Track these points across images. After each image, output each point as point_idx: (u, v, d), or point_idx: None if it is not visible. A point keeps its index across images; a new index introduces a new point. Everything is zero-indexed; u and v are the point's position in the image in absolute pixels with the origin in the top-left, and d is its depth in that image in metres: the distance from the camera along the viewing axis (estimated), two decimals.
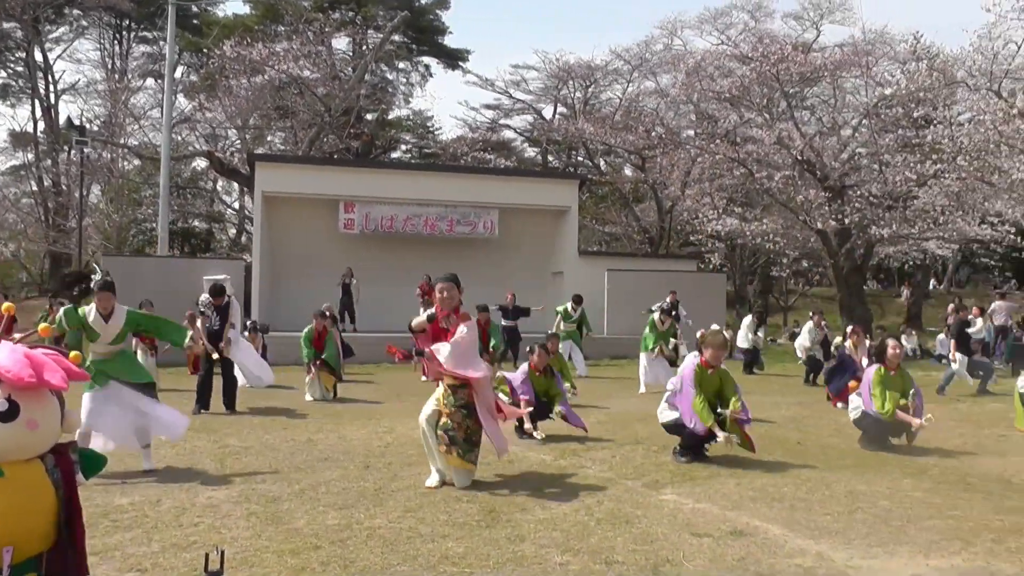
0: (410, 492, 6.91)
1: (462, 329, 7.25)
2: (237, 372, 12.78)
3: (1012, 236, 28.70)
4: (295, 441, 9.52)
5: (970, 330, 16.54)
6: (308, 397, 13.83)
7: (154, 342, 15.56)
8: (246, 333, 15.65)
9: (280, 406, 12.73)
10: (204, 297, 12.60)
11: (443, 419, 7.31)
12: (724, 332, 9.40)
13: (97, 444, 7.53)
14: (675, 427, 8.66)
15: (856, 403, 9.86)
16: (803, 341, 17.95)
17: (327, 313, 15.29)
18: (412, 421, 10.88)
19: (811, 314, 18.81)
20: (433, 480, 7.34)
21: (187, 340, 9.01)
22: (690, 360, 8.74)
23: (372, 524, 5.93)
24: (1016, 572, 5.18)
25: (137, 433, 7.78)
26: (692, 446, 8.58)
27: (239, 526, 5.87)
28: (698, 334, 9.29)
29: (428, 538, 5.61)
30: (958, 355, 16.10)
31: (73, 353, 3.32)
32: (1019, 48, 22.90)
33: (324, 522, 5.97)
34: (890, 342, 9.75)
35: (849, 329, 15.65)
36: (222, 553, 4.04)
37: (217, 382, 12.28)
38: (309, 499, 6.65)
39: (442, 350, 7.23)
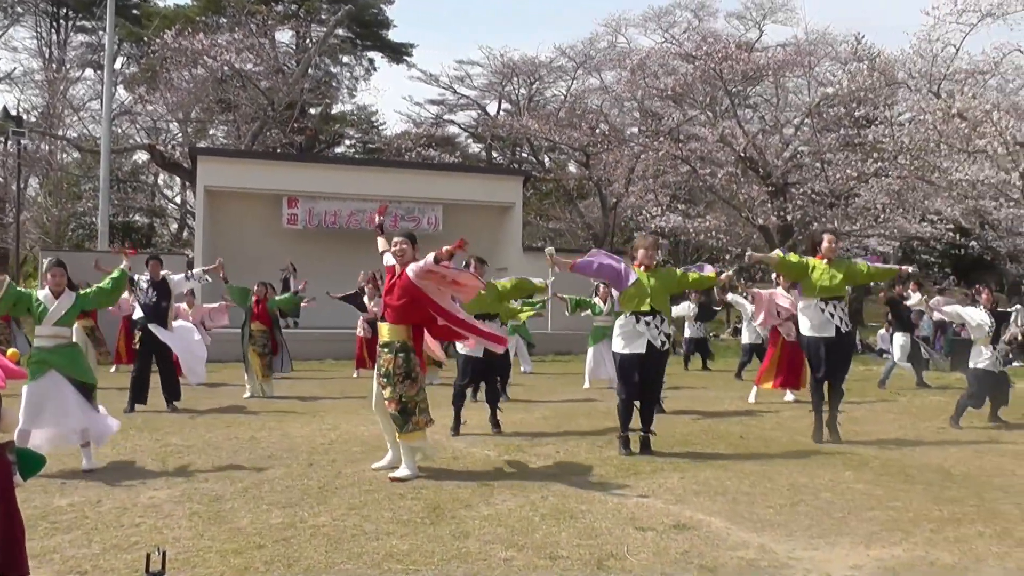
0: (354, 489, 6.87)
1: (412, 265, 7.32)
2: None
3: (951, 233, 29.39)
4: (238, 439, 9.42)
5: (908, 303, 16.76)
6: (247, 394, 13.68)
7: (95, 325, 15.34)
8: (183, 304, 15.35)
9: (223, 404, 12.58)
10: (139, 276, 12.22)
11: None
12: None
13: (35, 443, 7.38)
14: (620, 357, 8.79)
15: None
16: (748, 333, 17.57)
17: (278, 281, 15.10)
18: (356, 418, 10.90)
19: (744, 293, 18.70)
20: (381, 462, 7.71)
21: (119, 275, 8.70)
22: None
23: (316, 522, 5.89)
24: (954, 561, 5.27)
25: (75, 434, 7.65)
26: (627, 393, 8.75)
27: (181, 526, 5.79)
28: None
29: (372, 536, 5.58)
30: (897, 335, 16.28)
31: (11, 351, 3.26)
32: (957, 51, 23.43)
33: (268, 521, 5.92)
34: (827, 236, 9.81)
35: (774, 276, 15.53)
36: (163, 554, 3.99)
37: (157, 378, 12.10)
38: (252, 498, 6.58)
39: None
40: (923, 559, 5.29)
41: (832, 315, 9.49)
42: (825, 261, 9.66)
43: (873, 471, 7.93)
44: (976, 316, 11.22)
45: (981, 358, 11.19)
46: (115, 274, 8.44)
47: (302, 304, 16.84)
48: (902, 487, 7.24)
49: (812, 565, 5.12)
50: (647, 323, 8.58)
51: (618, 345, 8.80)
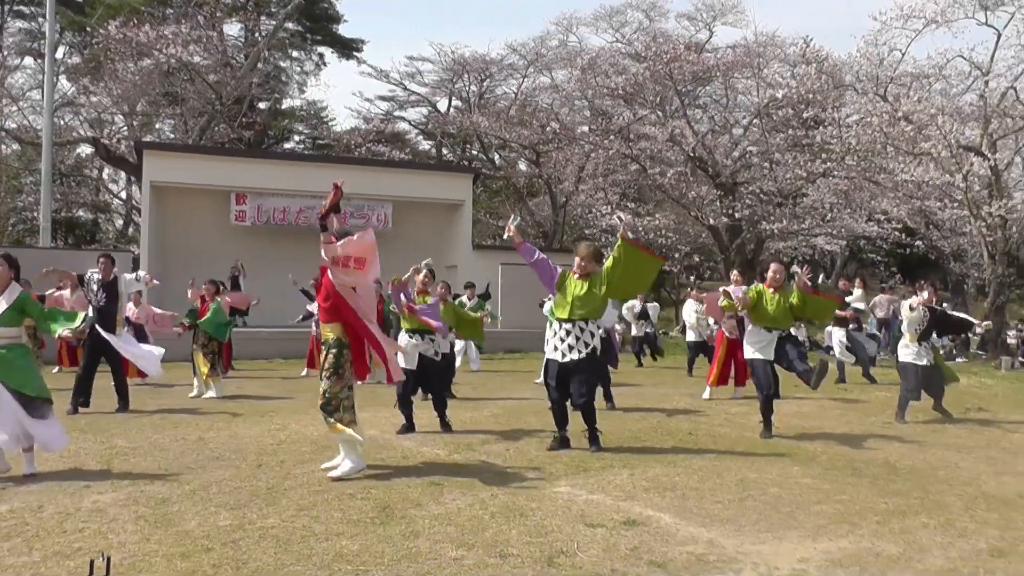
0: (303, 490, 6.81)
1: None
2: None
3: (897, 233, 29.92)
4: (185, 440, 9.30)
5: (848, 298, 17.09)
6: (193, 393, 13.51)
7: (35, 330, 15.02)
8: (130, 303, 14.99)
9: (170, 404, 12.43)
10: (92, 271, 11.89)
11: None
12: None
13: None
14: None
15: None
16: (689, 319, 17.74)
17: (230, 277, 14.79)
18: (305, 418, 10.81)
19: (689, 289, 18.90)
20: (331, 463, 7.64)
21: (77, 324, 8.23)
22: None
23: (265, 524, 5.83)
24: (900, 552, 5.37)
25: (20, 438, 7.39)
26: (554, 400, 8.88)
27: (127, 530, 5.69)
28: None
29: (322, 536, 5.54)
30: (834, 330, 16.58)
31: None
32: (903, 55, 23.83)
33: (215, 523, 5.84)
34: (773, 265, 10.15)
35: (733, 274, 15.49)
36: (108, 559, 3.92)
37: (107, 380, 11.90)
38: (200, 500, 6.50)
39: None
40: (869, 551, 5.38)
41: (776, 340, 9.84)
42: (772, 290, 9.96)
43: (820, 466, 8.05)
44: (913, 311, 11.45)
45: (906, 352, 11.49)
46: (75, 323, 7.97)
47: (252, 303, 16.63)
48: (849, 481, 7.36)
49: (760, 559, 5.18)
50: (567, 331, 8.69)
51: (546, 348, 9.06)
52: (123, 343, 11.49)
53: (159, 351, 11.87)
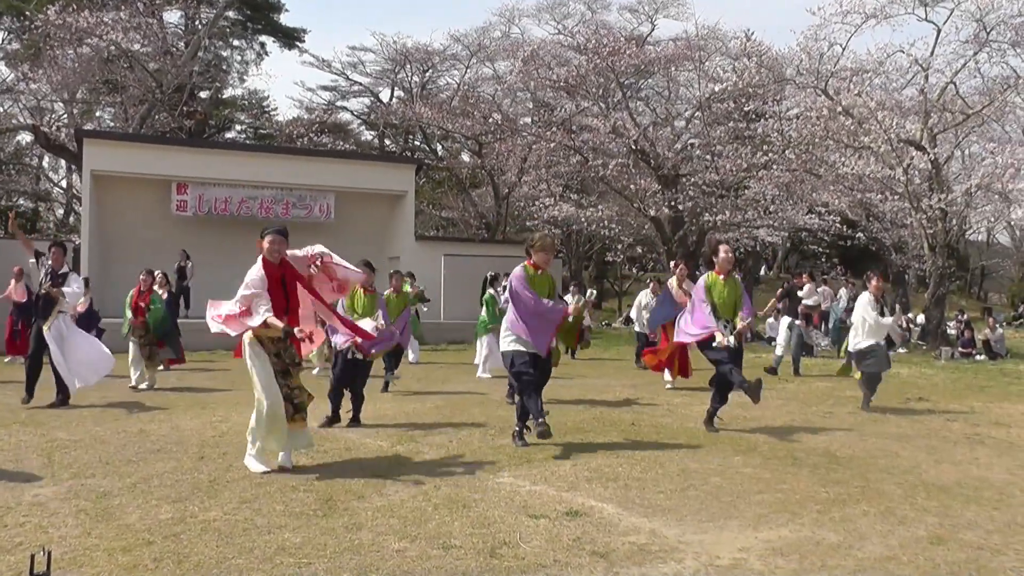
0: (245, 483, 6.76)
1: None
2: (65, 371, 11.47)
3: (838, 225, 30.36)
4: (126, 433, 9.18)
5: (800, 293, 17.34)
6: (143, 386, 13.33)
7: None
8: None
9: (111, 396, 12.23)
10: (46, 259, 11.59)
11: None
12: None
13: None
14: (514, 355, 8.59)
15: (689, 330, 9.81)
16: (636, 313, 17.78)
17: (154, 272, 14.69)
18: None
19: (648, 281, 19.06)
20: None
21: None
22: (517, 271, 8.57)
23: (207, 517, 5.77)
24: (840, 540, 5.44)
25: None
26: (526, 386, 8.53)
27: (68, 524, 5.61)
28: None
29: (264, 529, 5.50)
30: (784, 318, 16.81)
31: None
32: (844, 49, 24.14)
33: (157, 516, 5.78)
34: (722, 247, 9.60)
35: (673, 263, 15.54)
36: (49, 554, 3.87)
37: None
38: (141, 493, 6.42)
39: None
40: (809, 539, 5.45)
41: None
42: (722, 277, 9.49)
43: (761, 455, 8.14)
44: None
45: (856, 343, 11.74)
46: None
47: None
48: (789, 470, 7.46)
49: (702, 548, 5.23)
50: None
51: (509, 346, 8.67)
52: (60, 355, 11.14)
53: (104, 365, 11.60)
